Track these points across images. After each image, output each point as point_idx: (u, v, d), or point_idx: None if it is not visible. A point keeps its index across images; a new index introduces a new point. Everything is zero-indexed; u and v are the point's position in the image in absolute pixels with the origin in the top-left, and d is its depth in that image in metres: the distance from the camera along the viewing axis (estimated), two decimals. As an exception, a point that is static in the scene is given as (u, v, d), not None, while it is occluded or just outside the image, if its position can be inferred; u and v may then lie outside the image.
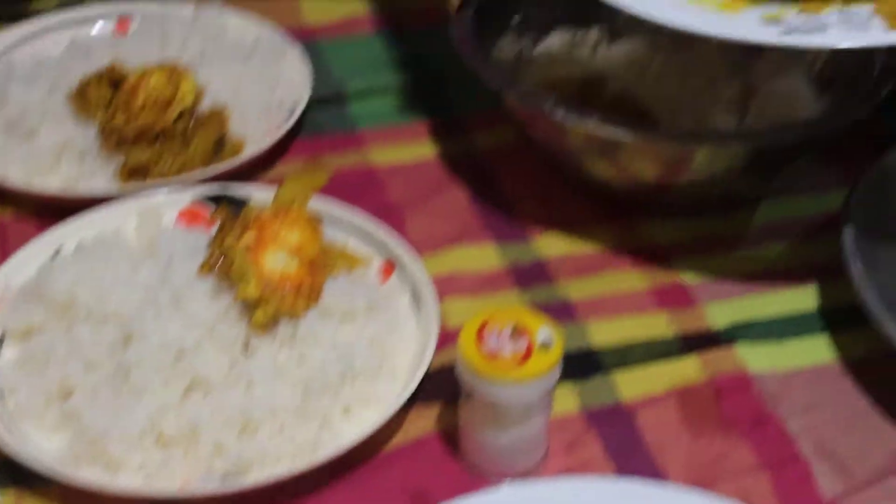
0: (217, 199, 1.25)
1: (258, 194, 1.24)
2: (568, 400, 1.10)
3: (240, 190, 1.26)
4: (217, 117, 1.37)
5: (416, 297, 1.16)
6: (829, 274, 1.24)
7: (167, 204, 1.25)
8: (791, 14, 1.08)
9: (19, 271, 1.17)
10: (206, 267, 1.09)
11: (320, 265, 1.12)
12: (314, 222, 1.14)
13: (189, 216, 1.24)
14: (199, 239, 1.15)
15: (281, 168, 1.39)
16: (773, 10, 1.09)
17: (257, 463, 1.00)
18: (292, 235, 1.11)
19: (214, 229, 1.14)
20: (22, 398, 1.05)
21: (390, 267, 1.20)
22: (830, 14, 1.08)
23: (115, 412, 1.01)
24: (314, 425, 1.04)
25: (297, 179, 1.22)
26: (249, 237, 1.09)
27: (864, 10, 1.07)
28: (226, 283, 1.08)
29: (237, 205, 1.21)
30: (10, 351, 1.11)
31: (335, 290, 1.11)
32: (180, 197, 1.25)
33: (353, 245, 1.21)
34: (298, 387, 1.05)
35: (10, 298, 1.13)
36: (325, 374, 1.05)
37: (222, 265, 1.09)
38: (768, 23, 1.07)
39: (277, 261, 1.08)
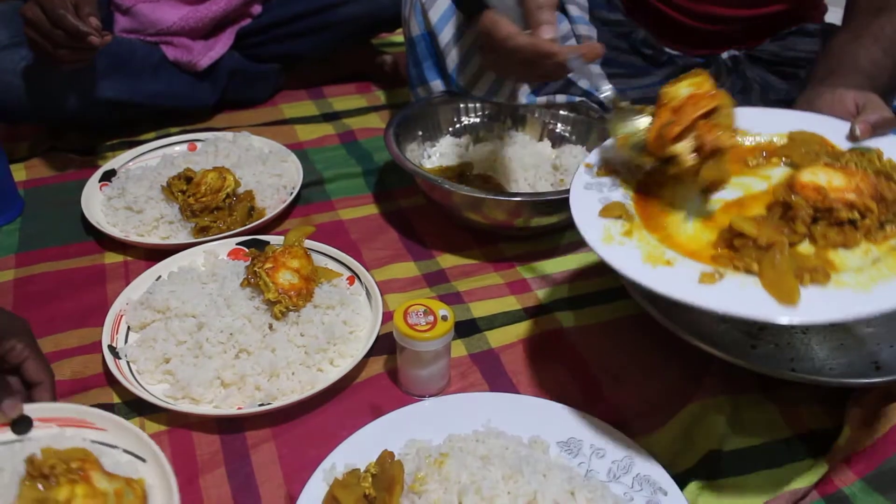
0: (249, 244, 1.24)
1: (273, 240, 1.23)
2: (460, 348, 1.11)
3: (262, 238, 1.25)
4: (248, 196, 1.36)
5: (369, 295, 1.16)
6: (605, 270, 1.25)
7: (221, 247, 1.24)
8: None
9: (137, 290, 1.16)
10: (245, 282, 1.09)
11: (312, 278, 1.12)
12: (307, 254, 1.14)
13: (234, 254, 1.23)
14: (240, 267, 1.14)
15: (286, 224, 1.39)
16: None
17: (280, 395, 1.01)
18: (294, 262, 1.11)
19: (249, 261, 1.14)
20: (141, 364, 1.04)
21: (353, 278, 1.19)
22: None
23: (195, 369, 1.01)
24: (313, 371, 1.04)
25: (296, 230, 1.21)
26: (269, 264, 1.09)
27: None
28: (257, 291, 1.08)
29: (261, 246, 1.21)
30: (133, 337, 1.10)
31: (321, 293, 1.11)
32: (228, 243, 1.25)
33: (331, 266, 1.20)
34: (302, 349, 1.05)
35: (131, 307, 1.13)
36: (318, 341, 1.05)
37: (254, 281, 1.08)
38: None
39: (286, 277, 1.08)
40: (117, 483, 0.81)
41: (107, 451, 0.87)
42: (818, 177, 0.87)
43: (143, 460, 0.88)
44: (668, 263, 0.85)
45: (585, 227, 0.92)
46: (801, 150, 0.99)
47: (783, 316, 0.77)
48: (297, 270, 1.10)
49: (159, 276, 1.18)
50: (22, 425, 0.91)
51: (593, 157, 1.03)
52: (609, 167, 1.01)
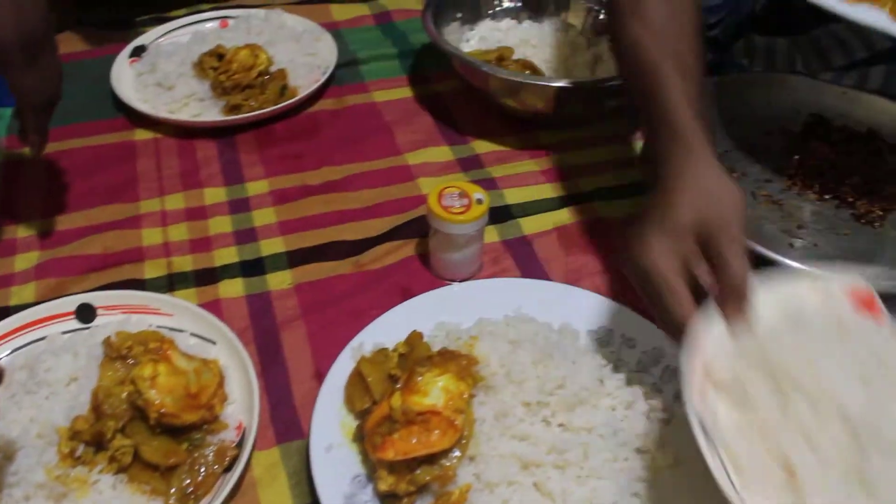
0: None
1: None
2: (493, 235, 1.11)
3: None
4: (281, 75, 1.34)
5: (402, 178, 1.15)
6: (645, 162, 1.22)
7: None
8: None
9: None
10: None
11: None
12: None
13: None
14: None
15: (319, 105, 1.37)
16: None
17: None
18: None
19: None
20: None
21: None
22: None
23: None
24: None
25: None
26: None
27: None
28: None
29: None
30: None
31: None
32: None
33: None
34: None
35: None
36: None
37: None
38: None
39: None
40: (195, 362, 0.84)
41: (175, 336, 0.89)
42: None
43: (213, 342, 0.91)
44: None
45: None
46: None
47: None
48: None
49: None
50: (86, 313, 0.94)
51: None
52: None
